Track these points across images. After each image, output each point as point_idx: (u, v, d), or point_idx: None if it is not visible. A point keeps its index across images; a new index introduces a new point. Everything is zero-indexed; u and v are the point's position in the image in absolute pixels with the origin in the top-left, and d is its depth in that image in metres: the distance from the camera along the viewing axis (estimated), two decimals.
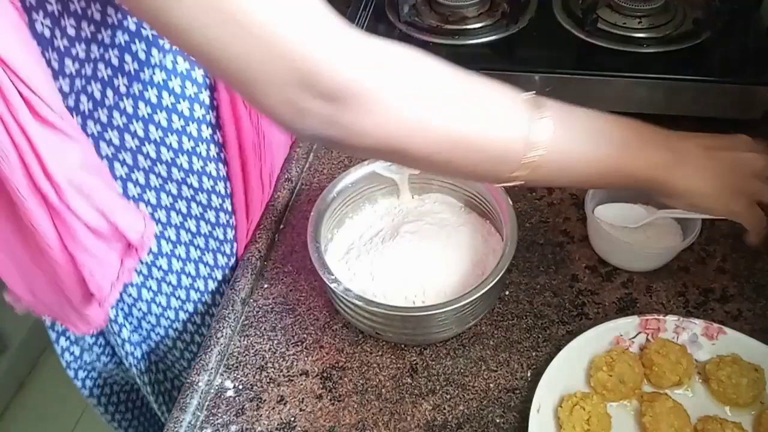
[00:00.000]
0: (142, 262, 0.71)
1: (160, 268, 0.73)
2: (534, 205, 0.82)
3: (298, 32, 0.43)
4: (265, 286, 0.77)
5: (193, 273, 0.75)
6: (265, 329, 0.73)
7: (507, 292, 0.73)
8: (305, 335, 0.72)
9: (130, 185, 0.65)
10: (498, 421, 0.64)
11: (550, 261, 0.76)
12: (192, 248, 0.73)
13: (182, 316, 0.79)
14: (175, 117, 0.63)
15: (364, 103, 0.46)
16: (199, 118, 0.66)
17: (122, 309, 0.74)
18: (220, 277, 0.78)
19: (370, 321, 0.65)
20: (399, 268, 0.69)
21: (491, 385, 0.66)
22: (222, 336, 0.71)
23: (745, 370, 0.62)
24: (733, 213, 0.58)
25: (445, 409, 0.65)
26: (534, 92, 0.52)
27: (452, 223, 0.74)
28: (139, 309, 0.76)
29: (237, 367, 0.70)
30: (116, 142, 0.61)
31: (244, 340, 0.72)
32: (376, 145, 0.49)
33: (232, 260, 0.78)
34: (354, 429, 0.64)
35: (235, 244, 0.77)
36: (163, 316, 0.77)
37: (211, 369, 0.69)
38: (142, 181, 0.65)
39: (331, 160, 0.91)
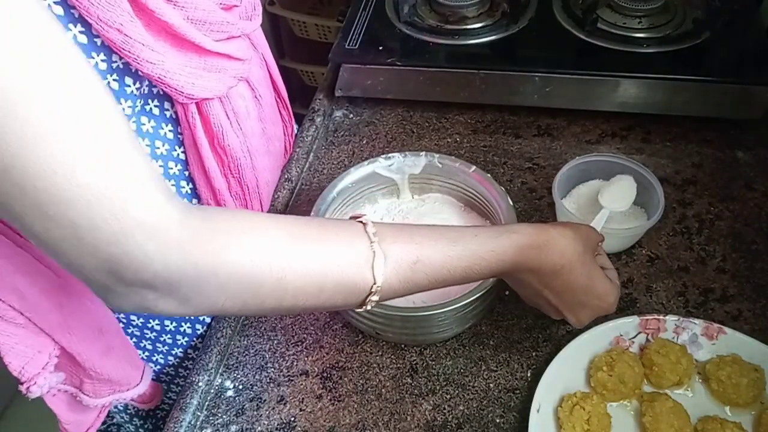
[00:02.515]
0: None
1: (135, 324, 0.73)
2: (534, 205, 0.82)
3: (107, 227, 0.39)
4: None
5: (157, 328, 0.75)
6: (265, 329, 0.73)
7: (507, 292, 0.73)
8: (305, 335, 0.72)
9: None
10: (498, 421, 0.64)
11: None
12: None
13: (154, 367, 0.79)
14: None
15: (180, 292, 0.44)
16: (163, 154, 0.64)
17: None
18: (190, 331, 0.77)
19: (370, 321, 0.65)
20: None
21: (491, 385, 0.66)
22: (222, 336, 0.71)
23: (745, 370, 0.62)
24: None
25: (445, 409, 0.65)
26: (369, 224, 0.51)
27: (452, 223, 0.74)
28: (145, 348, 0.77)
29: (237, 367, 0.70)
30: None
31: (244, 340, 0.72)
32: (209, 312, 0.47)
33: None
34: (354, 429, 0.64)
35: None
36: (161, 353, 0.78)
37: (211, 369, 0.69)
38: None
39: (331, 160, 0.91)
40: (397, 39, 0.95)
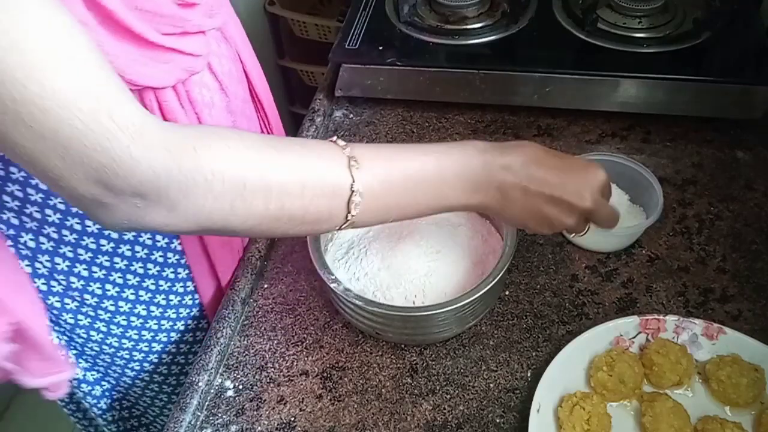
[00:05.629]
0: (100, 320, 0.73)
1: (119, 324, 0.74)
2: None
3: (90, 133, 0.40)
4: (265, 286, 0.77)
5: (155, 327, 0.76)
6: (265, 329, 0.73)
7: (507, 292, 0.73)
8: (305, 335, 0.72)
9: (80, 250, 0.66)
10: (498, 421, 0.64)
11: (550, 261, 0.76)
12: (153, 306, 0.74)
13: (147, 367, 0.80)
14: None
15: (168, 198, 0.44)
16: None
17: (86, 360, 0.77)
18: (182, 328, 0.78)
19: (370, 321, 0.65)
20: (399, 268, 0.69)
21: (491, 385, 0.66)
22: (222, 336, 0.71)
23: (745, 370, 0.62)
24: (551, 230, 0.61)
25: (445, 409, 0.65)
26: (344, 145, 0.53)
27: (452, 223, 0.74)
28: (103, 360, 0.78)
29: (237, 367, 0.70)
30: (61, 207, 0.62)
31: (244, 340, 0.72)
32: (201, 227, 0.47)
33: (194, 310, 0.78)
34: (354, 429, 0.64)
35: (196, 295, 0.78)
36: (127, 367, 0.79)
37: (211, 369, 0.69)
38: (93, 246, 0.67)
39: None
40: (397, 39, 0.95)
